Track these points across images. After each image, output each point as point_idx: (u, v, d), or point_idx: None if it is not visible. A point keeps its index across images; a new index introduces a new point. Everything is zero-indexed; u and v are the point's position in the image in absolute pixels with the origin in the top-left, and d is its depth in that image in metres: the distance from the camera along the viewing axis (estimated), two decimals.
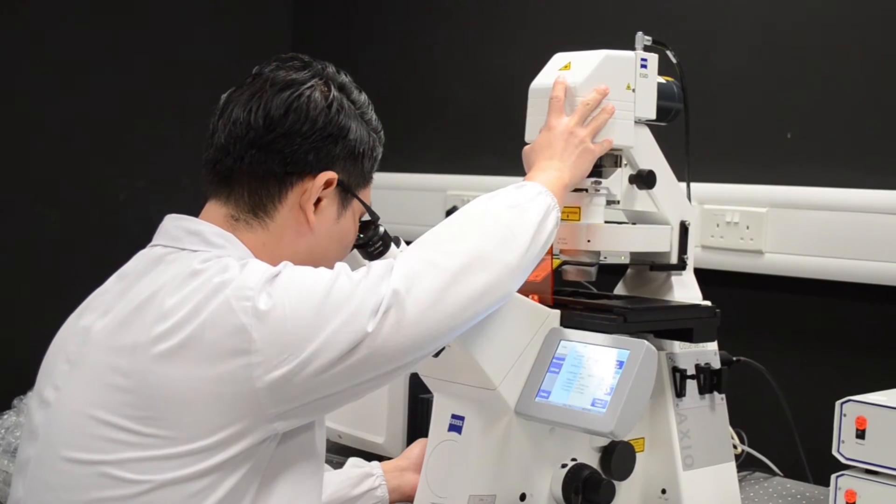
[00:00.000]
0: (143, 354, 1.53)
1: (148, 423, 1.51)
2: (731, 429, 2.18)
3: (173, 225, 1.69)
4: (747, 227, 2.71)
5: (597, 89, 1.96)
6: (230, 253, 1.64)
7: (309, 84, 1.71)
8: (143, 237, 1.74)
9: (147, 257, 1.67)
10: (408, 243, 1.97)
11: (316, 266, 1.70)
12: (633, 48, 2.05)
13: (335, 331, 1.54)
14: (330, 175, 1.71)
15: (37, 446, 1.61)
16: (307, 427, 1.65)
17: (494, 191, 1.81)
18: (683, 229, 2.15)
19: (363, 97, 1.78)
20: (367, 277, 1.59)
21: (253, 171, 1.68)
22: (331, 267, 1.75)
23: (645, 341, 1.81)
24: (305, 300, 1.54)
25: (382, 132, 1.81)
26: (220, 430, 1.52)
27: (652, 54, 2.06)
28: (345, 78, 1.77)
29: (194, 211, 1.72)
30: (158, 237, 1.70)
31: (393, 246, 1.90)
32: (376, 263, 1.63)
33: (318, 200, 1.72)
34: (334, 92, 1.73)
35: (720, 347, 2.15)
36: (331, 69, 1.76)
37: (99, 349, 1.58)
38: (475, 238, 1.69)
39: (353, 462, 2.16)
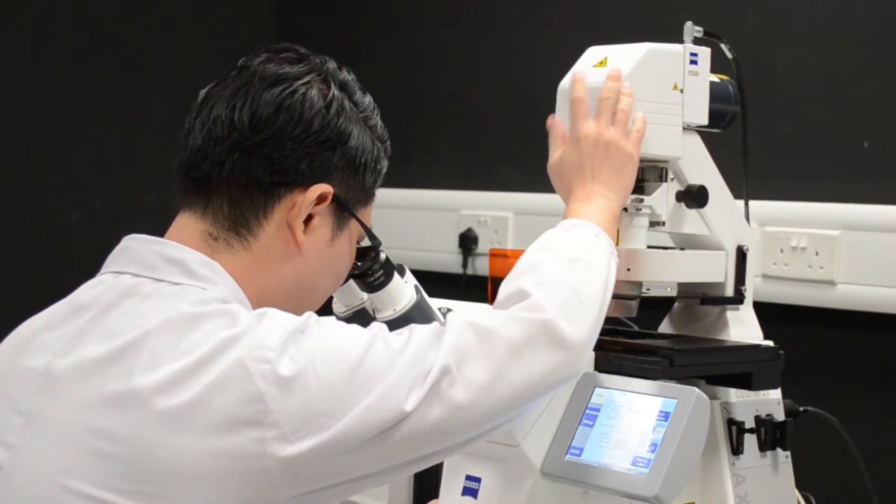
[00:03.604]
0: (140, 410, 1.50)
1: (138, 497, 1.49)
2: (797, 492, 2.18)
3: (145, 249, 1.67)
4: (816, 254, 2.71)
5: (609, 75, 1.96)
6: (218, 286, 1.63)
7: (305, 80, 1.70)
8: (99, 265, 1.73)
9: (113, 287, 1.64)
10: (414, 272, 1.97)
11: (302, 296, 1.70)
12: (680, 41, 2.05)
13: (367, 408, 1.53)
14: (324, 188, 1.70)
15: None
16: None
17: (543, 237, 1.81)
18: (741, 256, 2.15)
19: (368, 100, 1.78)
20: (409, 346, 1.59)
21: (234, 179, 1.68)
22: (321, 299, 1.73)
23: (695, 389, 1.81)
24: (335, 369, 1.54)
25: (389, 143, 1.81)
26: None
27: (703, 48, 2.06)
28: (348, 76, 1.77)
29: (160, 235, 1.72)
30: (125, 263, 1.67)
31: (397, 276, 1.90)
32: (418, 328, 1.63)
33: (310, 218, 1.71)
34: (334, 91, 1.72)
35: (785, 396, 2.15)
36: (331, 65, 1.76)
37: (70, 401, 1.55)
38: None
39: None
